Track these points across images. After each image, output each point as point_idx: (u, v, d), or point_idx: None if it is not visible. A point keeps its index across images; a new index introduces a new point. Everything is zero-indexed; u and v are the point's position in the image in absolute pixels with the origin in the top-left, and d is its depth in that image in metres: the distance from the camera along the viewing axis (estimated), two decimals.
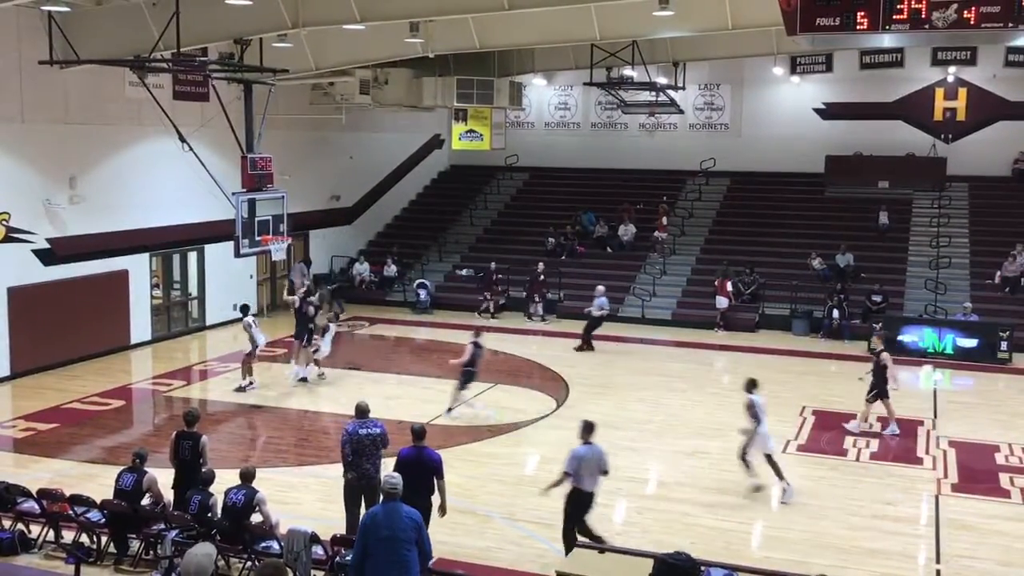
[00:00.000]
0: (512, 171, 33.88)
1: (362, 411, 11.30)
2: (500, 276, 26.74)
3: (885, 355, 16.51)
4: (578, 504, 10.85)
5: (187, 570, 5.97)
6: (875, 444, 15.95)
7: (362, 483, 11.03)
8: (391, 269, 28.67)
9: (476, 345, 17.07)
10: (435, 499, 10.50)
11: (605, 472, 10.94)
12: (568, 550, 10.40)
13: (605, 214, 30.37)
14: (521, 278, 27.57)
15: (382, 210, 32.05)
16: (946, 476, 14.54)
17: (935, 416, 17.70)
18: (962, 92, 29.44)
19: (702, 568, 8.82)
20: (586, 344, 22.72)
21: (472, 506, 12.79)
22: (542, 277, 26.32)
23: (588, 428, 11.01)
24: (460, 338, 22.25)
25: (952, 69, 29.12)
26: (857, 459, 15.22)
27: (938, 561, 11.60)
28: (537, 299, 26.12)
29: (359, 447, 11.01)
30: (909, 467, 14.90)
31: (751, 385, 13.69)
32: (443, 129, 32.39)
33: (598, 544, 10.20)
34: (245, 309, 19.15)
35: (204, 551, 6.16)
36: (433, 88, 25.85)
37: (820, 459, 15.19)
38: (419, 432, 10.69)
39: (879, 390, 16.31)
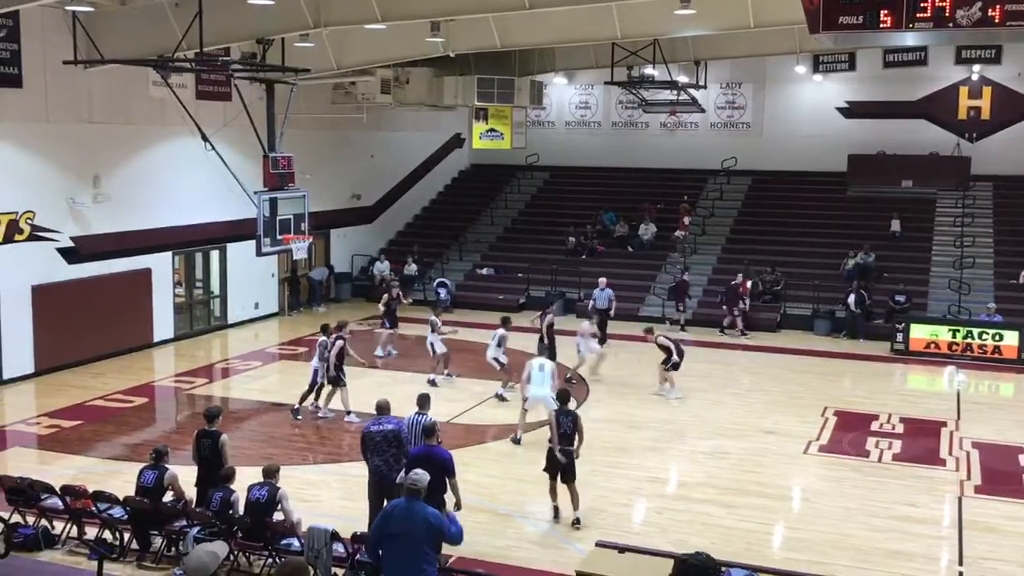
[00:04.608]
0: (532, 170, 33.87)
1: (380, 408, 11.37)
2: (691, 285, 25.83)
3: None
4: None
5: (189, 565, 6.04)
6: (897, 445, 15.86)
7: (375, 479, 11.10)
8: (411, 268, 28.73)
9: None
10: (448, 497, 10.51)
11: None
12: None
13: (626, 213, 30.33)
14: (543, 276, 27.60)
15: (403, 209, 32.13)
16: (969, 477, 14.43)
17: (958, 417, 17.57)
18: (986, 91, 29.19)
19: (722, 568, 8.79)
20: (603, 339, 22.83)
21: (491, 505, 12.81)
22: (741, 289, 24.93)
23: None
24: (481, 337, 22.28)
25: (976, 68, 28.86)
26: (879, 460, 15.12)
27: (961, 563, 11.50)
28: (735, 312, 24.71)
29: (371, 444, 11.08)
30: (932, 468, 14.79)
31: None
32: (463, 128, 32.44)
33: None
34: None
35: (209, 549, 6.20)
36: (454, 87, 25.87)
37: (842, 460, 15.11)
38: (428, 430, 10.71)
39: None
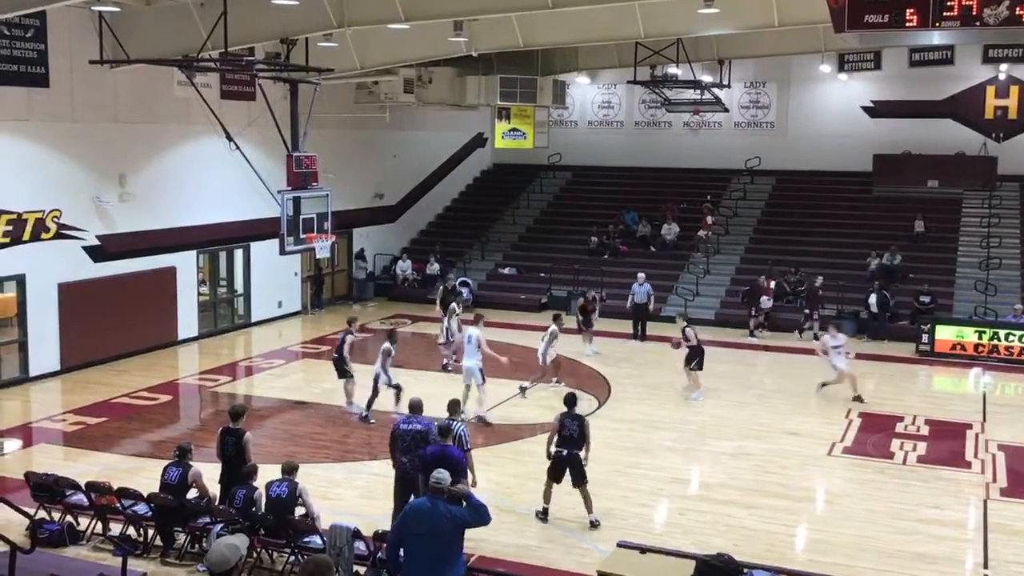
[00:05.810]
0: (555, 170, 33.84)
1: (412, 407, 11.44)
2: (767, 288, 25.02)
3: None
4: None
5: (210, 559, 6.09)
6: (922, 447, 15.73)
7: (400, 476, 11.18)
8: (434, 267, 28.78)
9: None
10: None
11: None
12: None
13: (648, 213, 30.26)
14: (565, 276, 27.58)
15: (425, 208, 32.17)
16: (995, 480, 14.30)
17: (984, 419, 17.41)
18: (1013, 90, 28.89)
19: (744, 570, 8.77)
20: (643, 334, 23.49)
21: (513, 505, 12.80)
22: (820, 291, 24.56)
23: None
24: (501, 336, 22.31)
25: (1004, 67, 28.57)
26: (904, 462, 15.00)
27: (986, 566, 11.40)
28: (815, 316, 24.08)
29: (400, 443, 11.19)
30: (957, 471, 14.66)
31: None
32: (486, 128, 32.42)
33: None
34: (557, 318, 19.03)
35: (229, 542, 6.20)
36: (476, 87, 25.92)
37: (866, 462, 15.01)
38: (444, 429, 10.72)
39: None
